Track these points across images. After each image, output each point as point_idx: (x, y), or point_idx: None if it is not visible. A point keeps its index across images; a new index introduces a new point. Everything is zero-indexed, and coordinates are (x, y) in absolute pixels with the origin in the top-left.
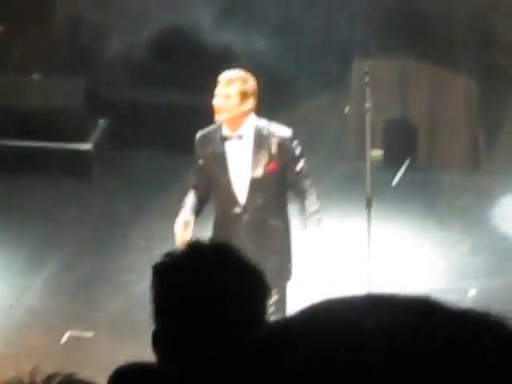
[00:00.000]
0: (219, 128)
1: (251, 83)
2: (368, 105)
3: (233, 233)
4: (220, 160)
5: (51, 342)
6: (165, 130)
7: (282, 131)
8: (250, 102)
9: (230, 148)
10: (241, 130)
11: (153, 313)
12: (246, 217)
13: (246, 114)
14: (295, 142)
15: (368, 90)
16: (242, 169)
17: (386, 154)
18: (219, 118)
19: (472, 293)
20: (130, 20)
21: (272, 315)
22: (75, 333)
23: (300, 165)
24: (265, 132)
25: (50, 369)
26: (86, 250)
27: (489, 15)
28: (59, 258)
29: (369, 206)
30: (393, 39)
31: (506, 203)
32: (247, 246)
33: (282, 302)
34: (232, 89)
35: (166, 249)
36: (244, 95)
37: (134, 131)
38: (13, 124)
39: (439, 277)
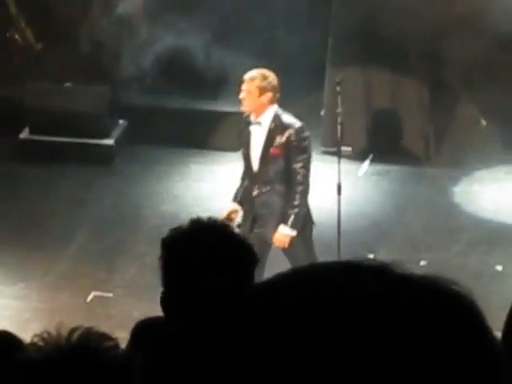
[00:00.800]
0: (250, 115)
1: (270, 79)
2: (339, 109)
3: (248, 193)
4: (246, 139)
5: (78, 300)
6: (171, 128)
7: (292, 124)
8: (268, 95)
9: (253, 131)
10: (261, 118)
11: (161, 278)
12: (258, 179)
13: (265, 105)
14: (302, 136)
15: (339, 97)
16: (257, 148)
17: (354, 150)
18: (243, 109)
19: (423, 263)
20: (140, 43)
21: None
22: (98, 293)
23: (297, 161)
24: (278, 123)
25: (76, 322)
26: (108, 226)
27: (436, 36)
28: (86, 232)
29: (339, 192)
30: (360, 55)
31: (450, 190)
32: (256, 199)
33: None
34: (252, 85)
35: (173, 225)
36: (262, 90)
37: (147, 129)
38: (49, 123)
39: (398, 250)
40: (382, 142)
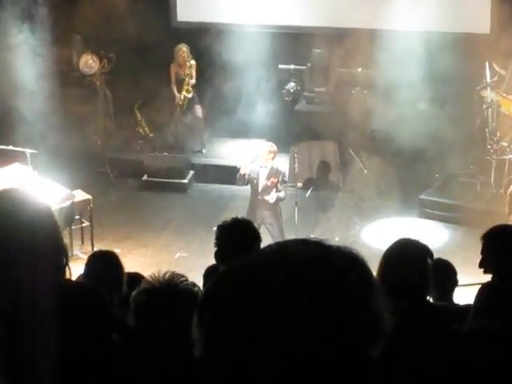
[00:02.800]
0: (259, 161)
1: (274, 149)
2: (296, 169)
3: (255, 201)
4: (256, 175)
5: (172, 258)
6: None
7: (281, 171)
8: (271, 156)
9: (261, 171)
10: (266, 164)
11: (216, 244)
12: (262, 196)
13: (269, 158)
14: (284, 174)
15: (296, 160)
16: (261, 179)
17: (304, 185)
18: (262, 162)
19: (337, 239)
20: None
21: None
22: (184, 254)
23: (283, 186)
24: (275, 168)
25: (168, 269)
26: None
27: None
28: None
29: (296, 205)
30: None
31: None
32: (262, 207)
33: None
34: (266, 151)
35: None
36: (270, 153)
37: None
38: (157, 174)
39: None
40: (315, 184)
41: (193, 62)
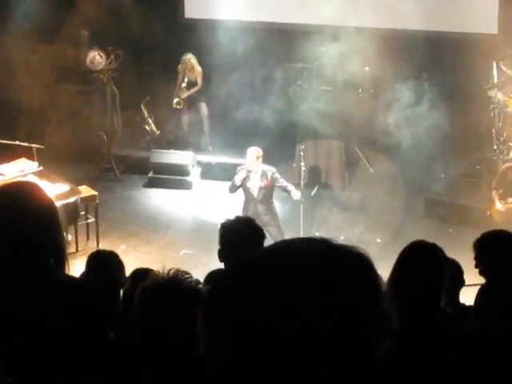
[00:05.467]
0: (248, 167)
1: (261, 153)
2: (303, 167)
3: (251, 206)
4: (248, 179)
5: (177, 255)
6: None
7: (270, 170)
8: (260, 160)
9: (252, 175)
10: (255, 168)
11: (219, 242)
12: (256, 200)
13: (258, 163)
14: (276, 174)
15: (302, 159)
16: (255, 184)
17: (309, 184)
18: (248, 166)
19: (342, 238)
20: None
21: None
22: (189, 251)
23: (281, 181)
24: (265, 169)
25: (173, 267)
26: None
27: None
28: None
29: (301, 204)
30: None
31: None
32: (259, 210)
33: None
34: (253, 156)
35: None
36: (258, 158)
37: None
38: (164, 171)
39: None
40: (319, 180)
41: (199, 68)
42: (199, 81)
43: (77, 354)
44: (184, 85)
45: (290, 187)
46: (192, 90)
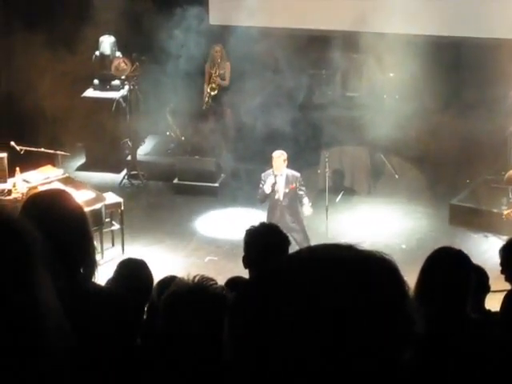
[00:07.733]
0: (274, 171)
1: (286, 156)
2: (328, 173)
3: (277, 211)
4: (275, 186)
5: (199, 261)
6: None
7: (295, 175)
8: (285, 163)
9: (278, 179)
10: (281, 172)
11: (244, 249)
12: (282, 205)
13: (284, 166)
14: (300, 178)
15: (327, 165)
16: (280, 188)
17: (334, 190)
18: (274, 170)
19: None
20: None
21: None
22: (214, 258)
23: (302, 190)
24: (290, 174)
25: (198, 273)
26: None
27: None
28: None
29: (327, 210)
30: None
31: (382, 211)
32: (285, 216)
33: (305, 236)
34: (280, 159)
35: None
36: (284, 161)
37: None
38: (191, 177)
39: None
40: (345, 186)
41: (228, 63)
42: (227, 75)
43: (106, 363)
44: (225, 83)
45: (305, 200)
46: (222, 82)
